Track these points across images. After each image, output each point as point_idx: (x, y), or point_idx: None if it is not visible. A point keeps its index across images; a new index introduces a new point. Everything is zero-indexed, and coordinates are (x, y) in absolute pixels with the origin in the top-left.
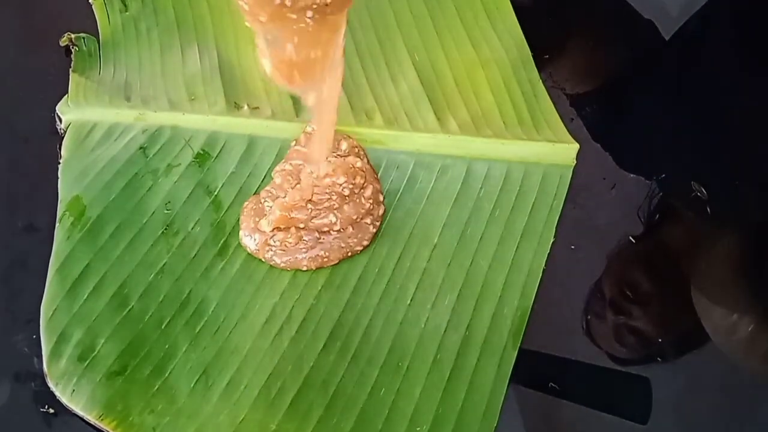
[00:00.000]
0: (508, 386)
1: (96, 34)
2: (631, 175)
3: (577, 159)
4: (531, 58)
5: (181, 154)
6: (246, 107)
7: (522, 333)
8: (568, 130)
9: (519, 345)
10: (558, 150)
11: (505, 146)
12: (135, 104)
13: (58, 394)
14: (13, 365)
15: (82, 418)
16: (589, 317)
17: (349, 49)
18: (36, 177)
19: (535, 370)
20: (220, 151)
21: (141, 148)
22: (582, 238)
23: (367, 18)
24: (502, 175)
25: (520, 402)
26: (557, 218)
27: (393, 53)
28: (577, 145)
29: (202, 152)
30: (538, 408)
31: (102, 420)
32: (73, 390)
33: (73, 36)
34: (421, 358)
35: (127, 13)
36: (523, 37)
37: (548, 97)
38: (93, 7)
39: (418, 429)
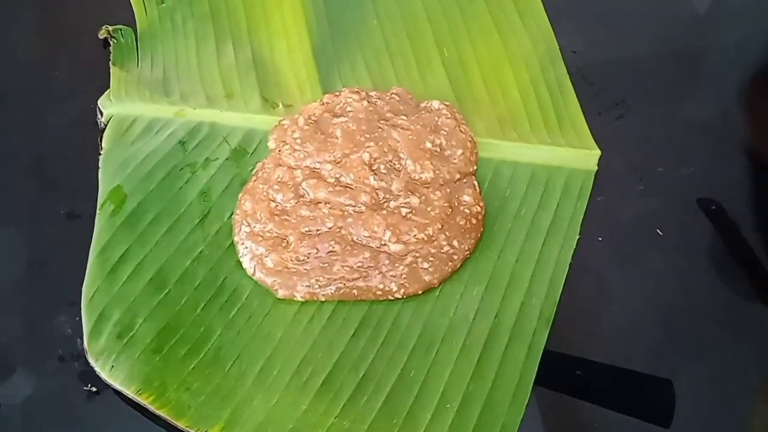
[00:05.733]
0: (540, 365)
1: (132, 25)
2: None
3: (599, 165)
4: (559, 53)
5: (219, 149)
6: (280, 106)
7: (552, 319)
8: (591, 133)
9: (550, 328)
10: (580, 156)
11: (530, 150)
12: (174, 100)
13: (98, 369)
14: (57, 346)
15: (122, 397)
16: None
17: (379, 44)
18: (77, 168)
19: (559, 365)
20: (256, 148)
21: (180, 142)
22: (609, 229)
23: (397, 11)
24: (527, 178)
25: (539, 396)
26: (582, 217)
27: (423, 49)
28: (598, 152)
29: (238, 148)
30: (559, 403)
31: (140, 395)
32: (113, 366)
33: (110, 28)
34: (450, 344)
35: (164, 5)
36: (552, 31)
37: (575, 95)
38: None
39: (448, 406)
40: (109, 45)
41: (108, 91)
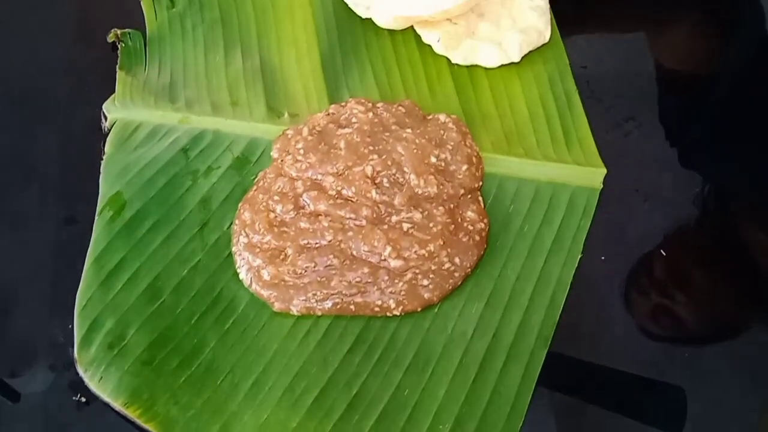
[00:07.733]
0: (535, 388)
1: (142, 29)
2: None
3: (604, 183)
4: (569, 68)
5: (222, 157)
6: (286, 115)
7: (550, 339)
8: (599, 150)
9: (547, 351)
10: (585, 173)
11: (535, 167)
12: (179, 107)
13: (86, 380)
14: (49, 354)
15: (112, 409)
16: (631, 292)
17: (388, 55)
18: (78, 171)
19: (567, 376)
20: (259, 157)
21: (183, 149)
22: (612, 249)
23: None
24: (531, 194)
25: (553, 405)
26: (585, 236)
27: (432, 58)
28: (604, 170)
29: (241, 157)
30: (569, 412)
31: (127, 408)
32: (101, 377)
33: (119, 32)
34: (446, 362)
35: (174, 10)
36: (563, 46)
37: (584, 111)
38: (141, 3)
39: (440, 427)
40: (117, 49)
41: (113, 95)
